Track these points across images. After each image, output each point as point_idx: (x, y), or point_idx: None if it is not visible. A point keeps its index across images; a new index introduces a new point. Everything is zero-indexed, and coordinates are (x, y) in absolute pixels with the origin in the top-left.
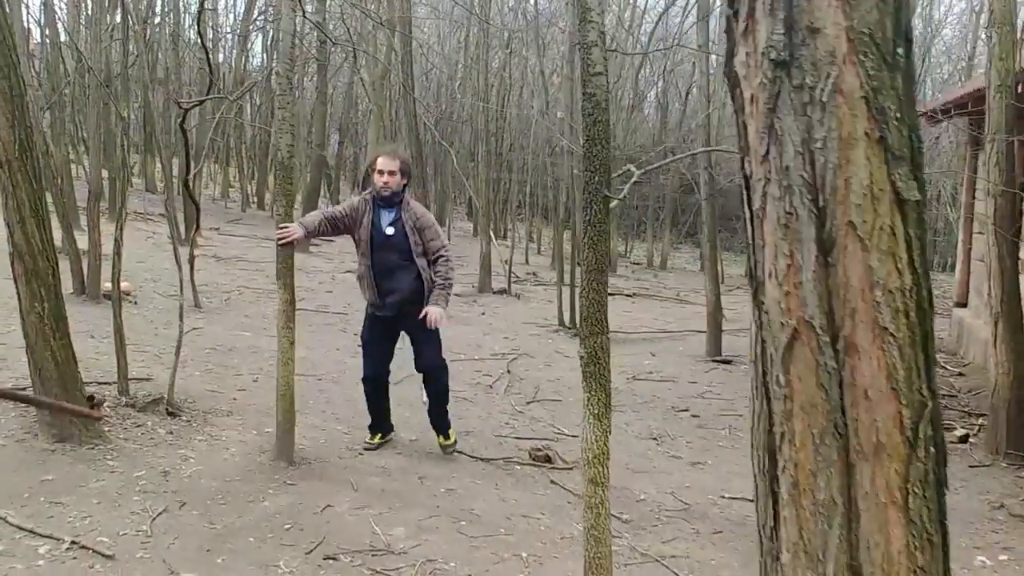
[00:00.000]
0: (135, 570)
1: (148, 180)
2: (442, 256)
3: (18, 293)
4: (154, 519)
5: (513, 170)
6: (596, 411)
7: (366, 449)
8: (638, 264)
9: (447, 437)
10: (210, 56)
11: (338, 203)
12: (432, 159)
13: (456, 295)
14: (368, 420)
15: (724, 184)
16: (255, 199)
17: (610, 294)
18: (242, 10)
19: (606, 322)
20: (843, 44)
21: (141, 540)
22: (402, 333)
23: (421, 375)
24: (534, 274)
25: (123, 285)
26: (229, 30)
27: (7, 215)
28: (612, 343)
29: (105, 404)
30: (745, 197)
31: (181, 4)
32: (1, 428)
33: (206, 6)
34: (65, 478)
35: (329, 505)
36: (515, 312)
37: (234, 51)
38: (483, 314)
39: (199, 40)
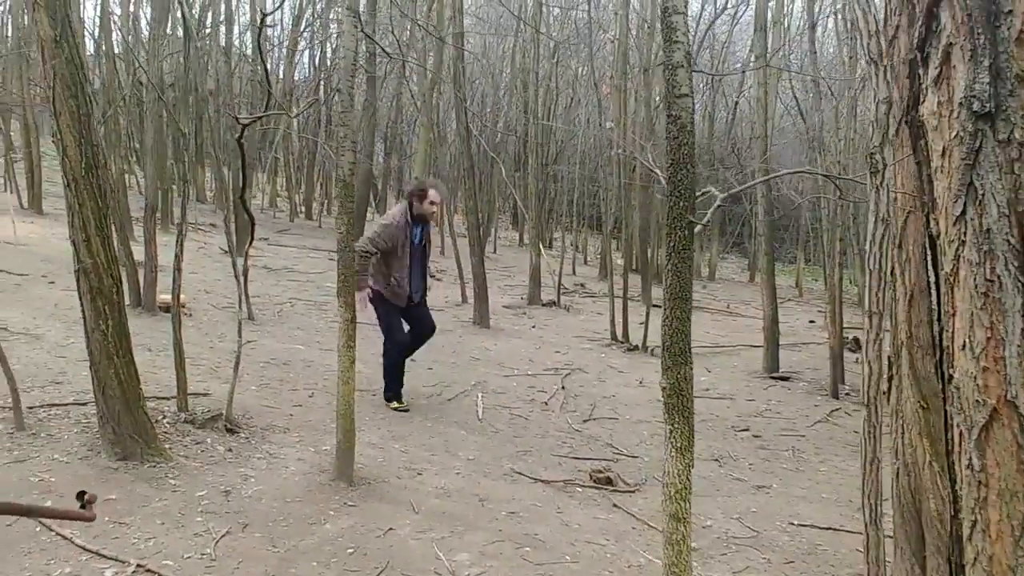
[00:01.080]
0: None
1: (198, 190)
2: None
3: (83, 310)
4: (217, 541)
5: (559, 179)
6: (679, 444)
7: (396, 409)
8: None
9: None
10: (268, 72)
11: (383, 212)
12: (477, 169)
13: (505, 307)
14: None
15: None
16: (303, 209)
17: (656, 305)
18: (290, 22)
19: (690, 352)
20: None
21: (206, 564)
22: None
23: (422, 337)
24: (582, 285)
25: (164, 297)
26: (277, 41)
27: (73, 233)
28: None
29: (164, 420)
30: (929, 257)
31: (234, 16)
32: (64, 445)
33: (265, 22)
34: (128, 497)
35: (391, 528)
36: (565, 325)
37: (281, 63)
38: (533, 327)
39: (255, 55)
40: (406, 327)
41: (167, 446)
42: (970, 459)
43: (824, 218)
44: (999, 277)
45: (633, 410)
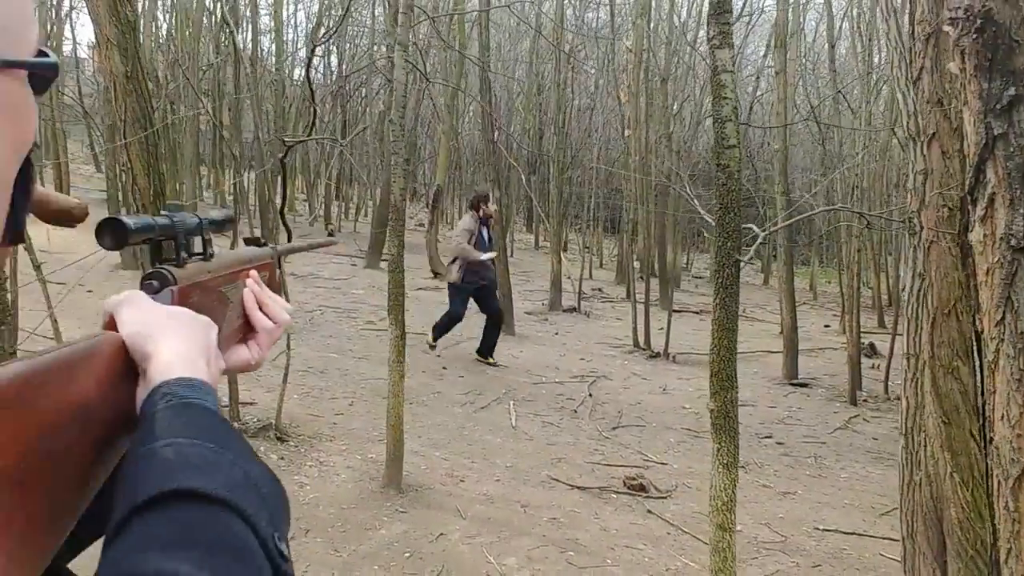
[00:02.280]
0: None
1: (222, 198)
2: None
3: None
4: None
5: (574, 183)
6: (725, 461)
7: (429, 344)
8: (700, 277)
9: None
10: (315, 98)
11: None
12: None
13: (527, 313)
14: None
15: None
16: (322, 214)
17: (676, 311)
18: (306, 31)
19: (735, 377)
20: None
21: None
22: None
23: (489, 318)
24: (600, 290)
25: None
26: (302, 45)
27: (142, 255)
28: (686, 365)
29: None
30: (975, 347)
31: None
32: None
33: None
34: None
35: (442, 533)
36: (587, 331)
37: (307, 72)
38: (556, 333)
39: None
40: (472, 306)
41: None
42: (1006, 502)
43: (842, 230)
44: None
45: (659, 417)
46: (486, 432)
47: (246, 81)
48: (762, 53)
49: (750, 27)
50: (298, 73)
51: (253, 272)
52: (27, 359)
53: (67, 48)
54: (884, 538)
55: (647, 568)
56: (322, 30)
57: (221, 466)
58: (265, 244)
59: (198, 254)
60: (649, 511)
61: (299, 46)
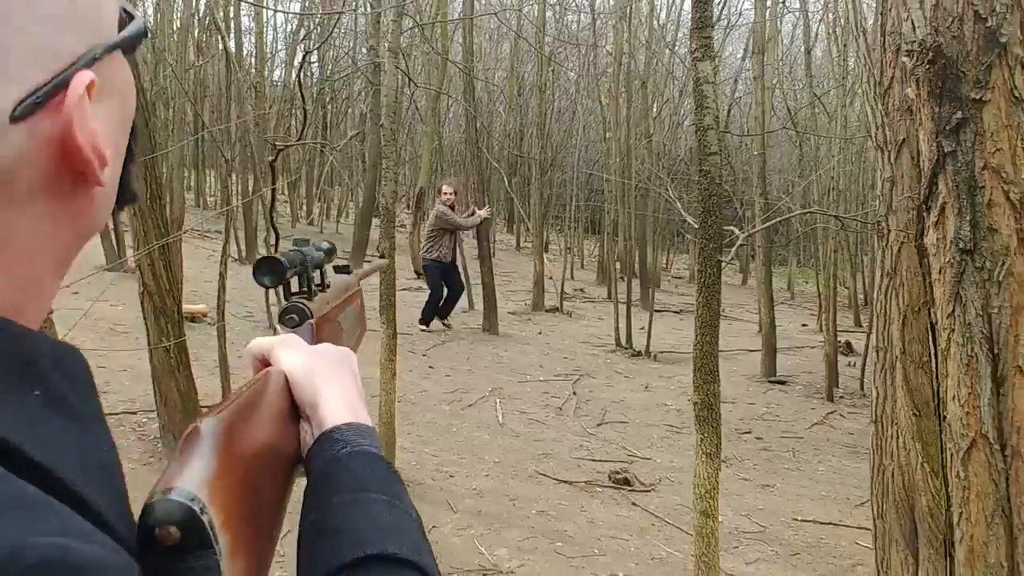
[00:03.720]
0: None
1: (202, 197)
2: None
3: (147, 328)
4: (283, 538)
5: (555, 184)
6: (708, 450)
7: (422, 331)
8: (679, 278)
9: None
10: (306, 99)
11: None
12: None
13: (510, 313)
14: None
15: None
16: (304, 213)
17: (657, 311)
18: (291, 29)
19: (717, 371)
20: (1014, 240)
21: (276, 559)
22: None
23: (450, 290)
24: (581, 290)
25: (200, 307)
26: (283, 46)
27: (138, 257)
28: (667, 363)
29: None
30: (930, 337)
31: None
32: (125, 452)
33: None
34: None
35: (434, 526)
36: (569, 331)
37: (299, 77)
38: (539, 333)
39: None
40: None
41: None
42: (957, 471)
43: (819, 229)
44: (976, 354)
45: (642, 414)
46: (474, 429)
47: (234, 83)
48: (740, 56)
49: (728, 31)
50: (278, 74)
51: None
52: (221, 405)
53: None
54: (859, 527)
55: (633, 557)
56: (303, 31)
57: (405, 524)
58: (351, 271)
59: (319, 286)
60: (634, 504)
61: (279, 47)
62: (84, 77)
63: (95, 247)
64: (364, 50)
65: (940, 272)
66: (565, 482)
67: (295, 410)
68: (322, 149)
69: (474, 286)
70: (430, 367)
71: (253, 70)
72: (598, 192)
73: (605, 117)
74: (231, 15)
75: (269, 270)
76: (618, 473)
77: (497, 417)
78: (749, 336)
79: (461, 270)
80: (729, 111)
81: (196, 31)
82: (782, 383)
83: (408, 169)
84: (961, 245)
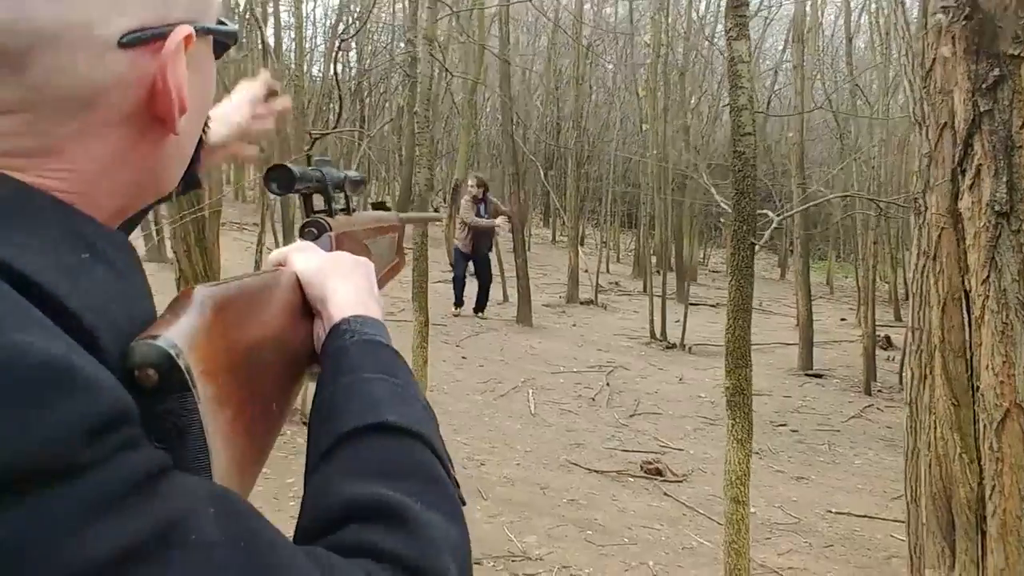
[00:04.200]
0: None
1: (241, 191)
2: None
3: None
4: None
5: (591, 177)
6: (739, 436)
7: (454, 316)
8: (716, 272)
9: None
10: (340, 87)
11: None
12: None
13: (545, 306)
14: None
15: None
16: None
17: (693, 304)
18: (331, 22)
19: (749, 356)
20: None
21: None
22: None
23: (481, 285)
24: (617, 283)
25: None
26: (321, 41)
27: (175, 245)
28: (702, 356)
29: None
30: (963, 304)
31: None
32: None
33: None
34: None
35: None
36: (604, 323)
37: (334, 66)
38: (574, 325)
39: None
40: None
41: None
42: (991, 443)
43: (858, 220)
44: (1011, 321)
45: (675, 406)
46: (506, 419)
47: (273, 76)
48: (780, 47)
49: (768, 21)
50: (317, 69)
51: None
52: (227, 281)
53: None
54: (895, 520)
55: (664, 546)
56: (341, 25)
57: (407, 400)
58: (390, 209)
59: (342, 209)
60: (665, 494)
61: (318, 42)
62: (184, 30)
63: (135, 239)
64: (402, 44)
65: (975, 237)
66: (596, 471)
67: (308, 309)
68: (359, 143)
69: (508, 278)
70: (463, 357)
71: (292, 64)
72: (635, 186)
73: (641, 109)
74: (270, 10)
75: (278, 176)
76: (650, 463)
77: (529, 407)
78: (787, 330)
79: (495, 262)
80: (769, 102)
81: (237, 24)
82: (819, 376)
83: (445, 162)
84: (997, 208)
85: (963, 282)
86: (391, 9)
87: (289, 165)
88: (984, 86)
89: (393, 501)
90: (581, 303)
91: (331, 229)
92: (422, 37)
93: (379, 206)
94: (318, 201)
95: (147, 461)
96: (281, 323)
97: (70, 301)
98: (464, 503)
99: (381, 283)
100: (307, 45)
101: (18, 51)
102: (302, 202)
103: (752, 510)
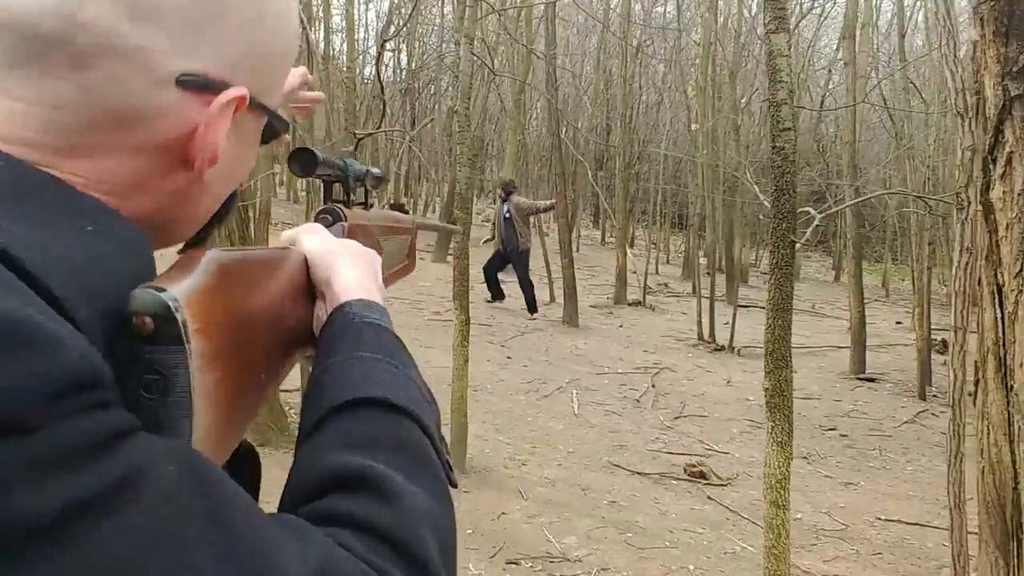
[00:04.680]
0: None
1: (294, 192)
2: None
3: None
4: None
5: (641, 178)
6: (779, 439)
7: (488, 302)
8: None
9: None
10: (385, 92)
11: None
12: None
13: (592, 307)
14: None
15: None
16: (384, 206)
17: (743, 305)
18: (376, 30)
19: (790, 356)
20: None
21: None
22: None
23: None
24: (666, 285)
25: None
26: (373, 43)
27: (217, 238)
28: (750, 358)
29: (292, 411)
30: (997, 300)
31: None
32: None
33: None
34: (267, 480)
35: (504, 513)
36: (652, 325)
37: (376, 67)
38: (621, 326)
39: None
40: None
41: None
42: None
43: (912, 221)
44: None
45: (722, 408)
46: (549, 419)
47: (319, 78)
48: (835, 46)
49: (823, 19)
50: (368, 71)
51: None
52: (242, 250)
53: None
54: (948, 529)
55: (705, 551)
56: (392, 28)
57: (403, 381)
58: (408, 212)
59: (360, 203)
60: (709, 497)
61: (370, 44)
62: (239, 91)
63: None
64: (453, 45)
65: (1007, 228)
66: (639, 473)
67: (312, 290)
68: (410, 146)
69: (555, 279)
70: (508, 357)
71: (344, 67)
72: (686, 186)
73: (689, 109)
74: (317, 13)
75: (300, 158)
76: (694, 466)
77: (573, 408)
78: (839, 333)
79: (544, 262)
80: (823, 101)
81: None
82: (871, 380)
83: (495, 163)
84: None
85: (996, 276)
86: (440, 10)
87: (313, 149)
88: (1015, 69)
89: (375, 472)
90: (629, 304)
91: (345, 218)
92: (464, 36)
93: (397, 207)
94: (338, 192)
95: (111, 422)
96: (282, 298)
97: (36, 267)
98: (455, 485)
99: (388, 282)
100: (359, 47)
101: (86, 51)
102: (323, 189)
103: (798, 515)
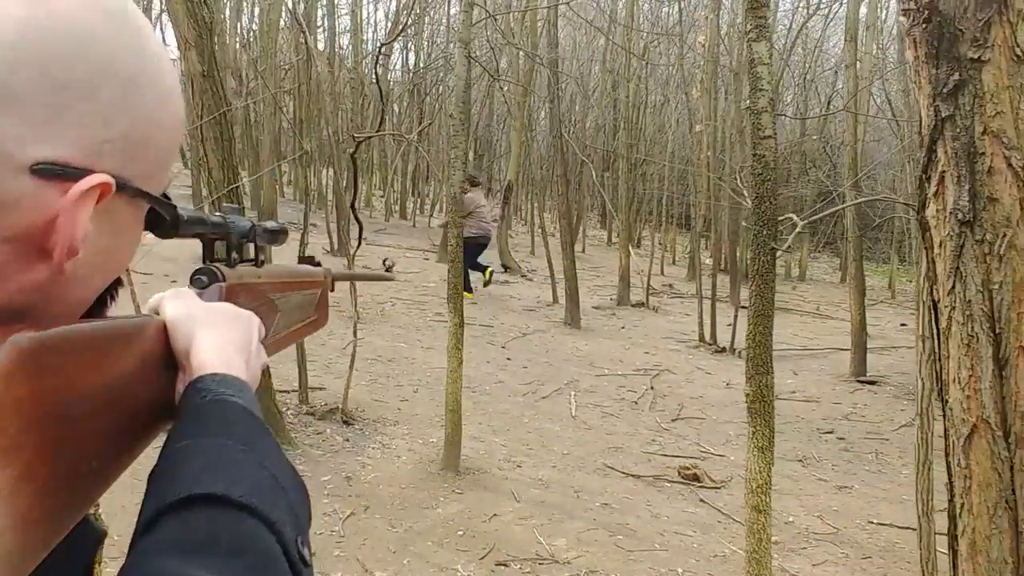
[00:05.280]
0: (334, 567)
1: (299, 191)
2: None
3: None
4: (344, 521)
5: (647, 179)
6: (760, 444)
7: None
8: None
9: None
10: (389, 96)
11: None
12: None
13: (595, 307)
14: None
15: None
16: (397, 208)
17: (744, 307)
18: (385, 30)
19: (771, 363)
20: (1016, 211)
21: (336, 540)
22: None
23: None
24: (670, 286)
25: None
26: (376, 46)
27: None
28: None
29: (288, 412)
30: (932, 316)
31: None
32: None
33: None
34: None
35: (495, 514)
36: (654, 326)
37: (374, 69)
38: (623, 328)
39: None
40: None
41: (293, 435)
42: (959, 459)
43: (914, 223)
44: (976, 333)
45: (720, 411)
46: (545, 420)
47: (317, 80)
48: (842, 48)
49: (829, 20)
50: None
51: None
52: (72, 326)
53: None
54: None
55: (695, 553)
56: (398, 28)
57: (250, 469)
58: (319, 264)
59: (249, 260)
60: (702, 500)
61: (377, 45)
62: (97, 179)
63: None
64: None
65: (940, 246)
66: (633, 476)
67: (173, 361)
68: (416, 146)
69: (558, 281)
70: (508, 359)
71: (351, 67)
72: (691, 187)
73: (691, 111)
74: (319, 16)
75: (155, 219)
76: (688, 469)
77: (570, 410)
78: (843, 335)
79: (547, 263)
80: (828, 103)
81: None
82: (872, 383)
83: (503, 163)
84: (960, 216)
85: (932, 292)
86: (447, 11)
87: (176, 206)
88: (945, 91)
89: None
90: (632, 305)
91: (223, 278)
92: (459, 41)
93: (307, 260)
94: (221, 250)
95: None
96: (132, 374)
97: None
98: None
99: (286, 341)
100: (366, 48)
101: None
102: (202, 248)
103: (790, 519)
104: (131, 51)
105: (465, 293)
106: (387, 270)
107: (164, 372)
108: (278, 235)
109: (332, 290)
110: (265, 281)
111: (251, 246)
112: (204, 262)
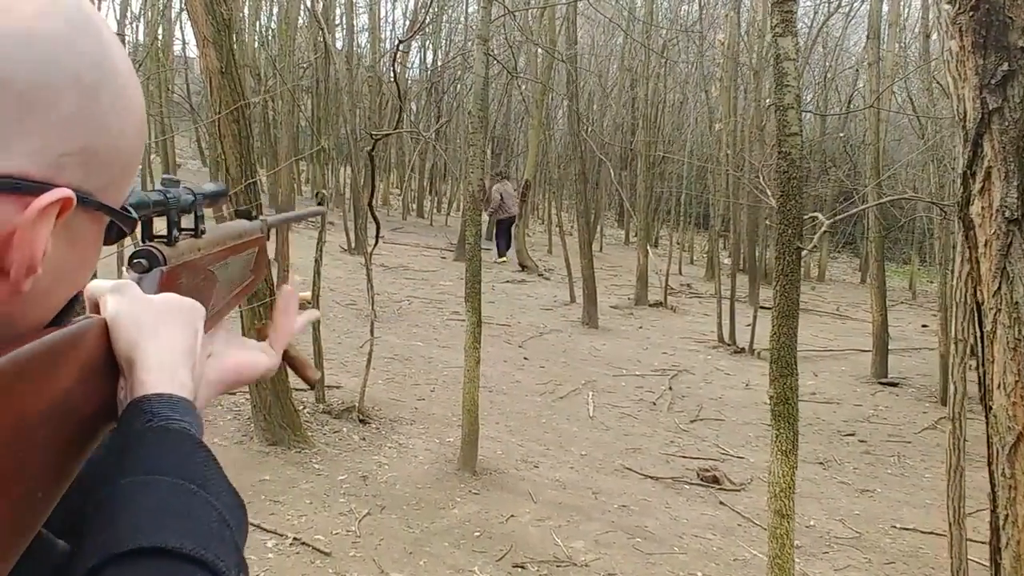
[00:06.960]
0: (350, 567)
1: (317, 189)
2: None
3: (240, 312)
4: (360, 520)
5: (666, 178)
6: (784, 448)
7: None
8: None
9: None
10: (408, 94)
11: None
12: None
13: (612, 307)
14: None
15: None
16: (415, 207)
17: (763, 307)
18: (403, 28)
19: (795, 364)
20: None
21: (352, 540)
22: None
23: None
24: (688, 286)
25: (304, 294)
26: (394, 44)
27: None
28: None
29: (305, 410)
30: (975, 318)
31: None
32: (220, 431)
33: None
34: (279, 479)
35: (512, 515)
36: (672, 326)
37: (392, 67)
38: (641, 327)
39: (391, 79)
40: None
41: (309, 434)
42: (1003, 468)
43: (937, 223)
44: (1023, 336)
45: (739, 412)
46: (563, 421)
47: (335, 78)
48: (863, 46)
49: (850, 18)
50: (398, 69)
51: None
52: (17, 351)
53: (177, 48)
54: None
55: (714, 557)
56: (416, 26)
57: (199, 511)
58: (255, 217)
59: (189, 230)
60: (721, 503)
61: (395, 43)
62: (57, 194)
63: None
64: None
65: (986, 245)
66: (651, 477)
67: (114, 364)
68: (434, 145)
69: (575, 280)
70: (525, 358)
71: (368, 65)
72: (710, 187)
73: (710, 107)
74: (337, 14)
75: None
76: (707, 471)
77: (588, 410)
78: (864, 336)
79: (564, 262)
80: (849, 101)
81: (313, 28)
82: (894, 385)
83: (520, 162)
84: (1007, 214)
85: (976, 294)
86: (465, 9)
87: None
88: (993, 82)
89: None
90: (650, 305)
91: (164, 262)
92: (478, 38)
93: (243, 214)
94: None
95: None
96: (74, 389)
97: None
98: None
99: (229, 306)
100: (384, 46)
101: None
102: (140, 228)
103: (811, 523)
104: (92, 61)
105: (501, 259)
106: (319, 203)
107: (106, 378)
108: (219, 198)
109: (268, 239)
110: (205, 254)
111: (192, 215)
112: (143, 240)
